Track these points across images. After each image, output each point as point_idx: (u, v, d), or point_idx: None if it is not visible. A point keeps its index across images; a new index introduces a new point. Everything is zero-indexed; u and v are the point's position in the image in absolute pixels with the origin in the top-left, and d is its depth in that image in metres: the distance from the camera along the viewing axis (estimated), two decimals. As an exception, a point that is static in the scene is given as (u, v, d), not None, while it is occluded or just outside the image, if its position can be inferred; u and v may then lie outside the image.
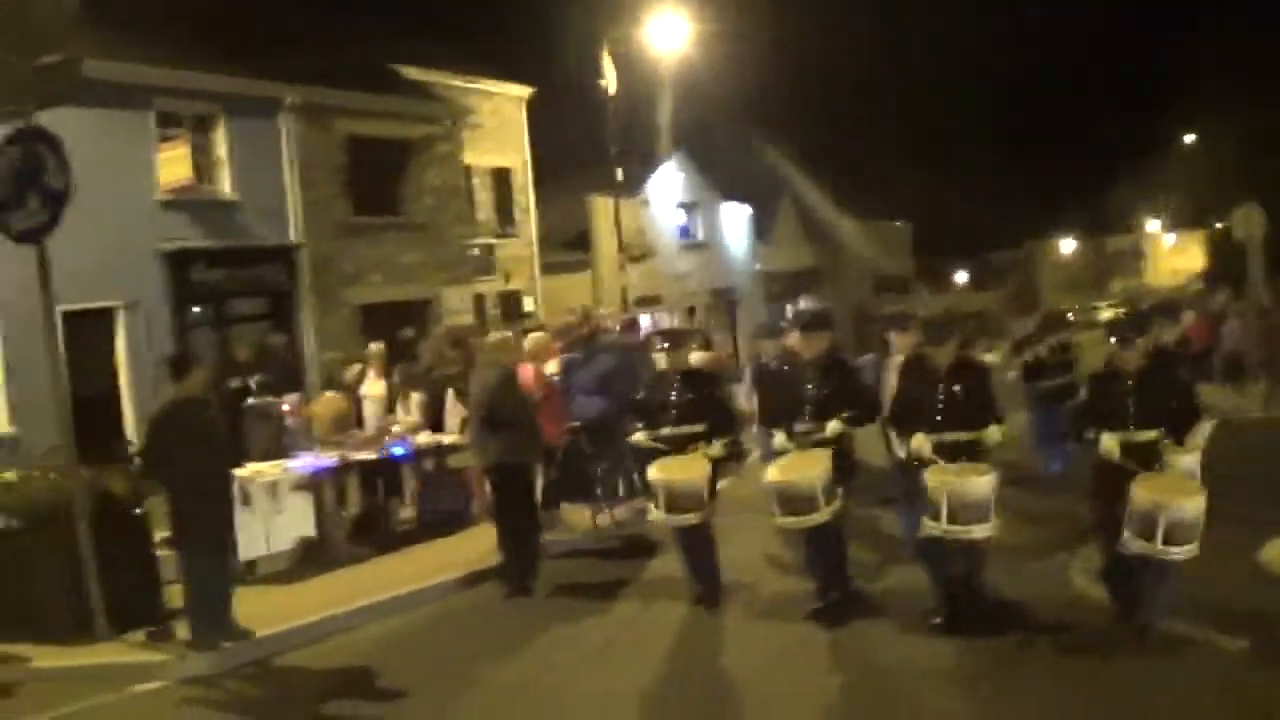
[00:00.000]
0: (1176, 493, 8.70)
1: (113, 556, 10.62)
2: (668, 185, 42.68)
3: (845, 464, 10.13)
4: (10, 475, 11.32)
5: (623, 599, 11.37)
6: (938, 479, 9.23)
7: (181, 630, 10.36)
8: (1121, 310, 16.70)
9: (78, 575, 10.50)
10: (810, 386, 10.28)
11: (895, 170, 70.90)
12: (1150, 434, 9.03)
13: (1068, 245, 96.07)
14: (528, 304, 33.65)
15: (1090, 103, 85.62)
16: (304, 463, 13.47)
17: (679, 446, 10.68)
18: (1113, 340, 9.47)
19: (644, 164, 39.32)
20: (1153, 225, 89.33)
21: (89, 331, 19.48)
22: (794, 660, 9.26)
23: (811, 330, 10.65)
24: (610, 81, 31.10)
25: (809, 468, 9.81)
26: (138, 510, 10.91)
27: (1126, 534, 8.73)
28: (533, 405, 12.89)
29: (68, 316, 18.48)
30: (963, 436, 9.49)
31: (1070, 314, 29.53)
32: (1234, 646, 8.65)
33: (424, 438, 15.06)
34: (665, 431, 10.79)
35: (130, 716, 9.22)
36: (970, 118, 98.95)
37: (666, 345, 11.72)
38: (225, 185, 21.79)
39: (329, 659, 10.14)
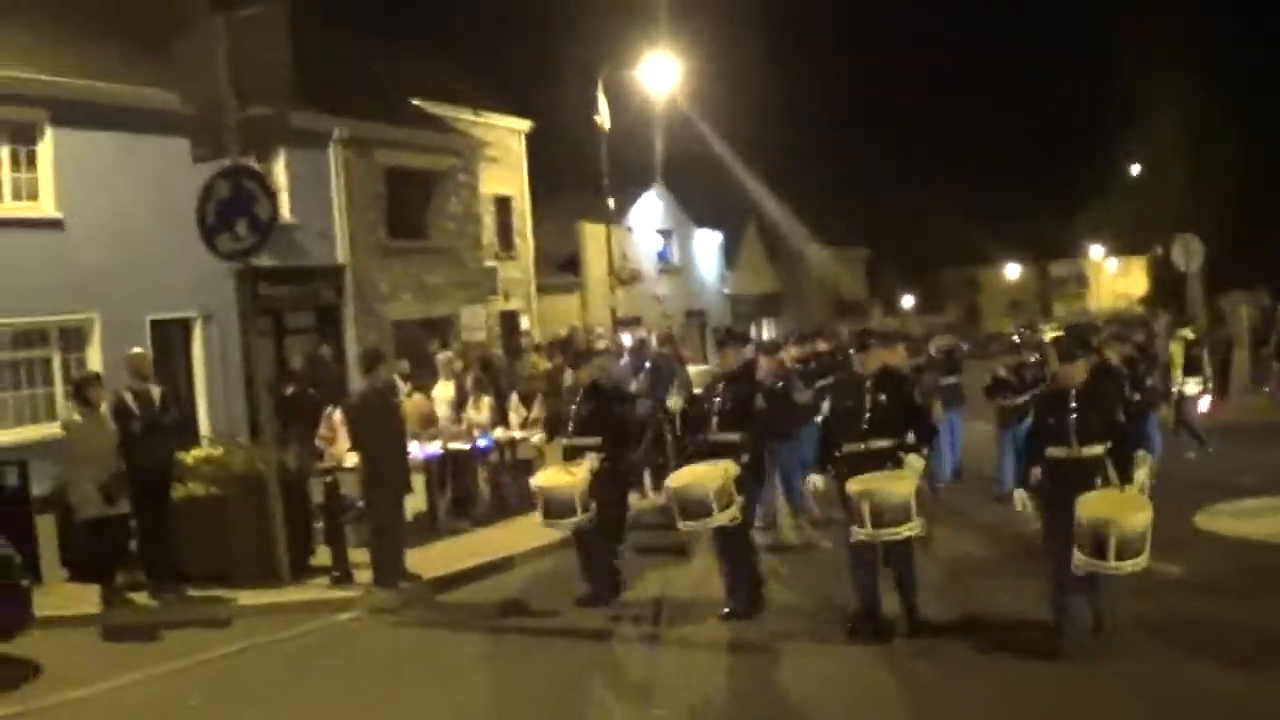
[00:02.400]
0: (1123, 509, 8.82)
1: (289, 518, 13.01)
2: (648, 212, 45.22)
3: (750, 474, 10.72)
4: (212, 450, 13.70)
5: (686, 552, 13.45)
6: (858, 486, 9.64)
7: (361, 575, 12.75)
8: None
9: (266, 532, 12.84)
10: (718, 399, 11.03)
11: (854, 198, 73.71)
12: (1094, 449, 9.22)
13: (1013, 270, 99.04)
14: (524, 322, 35.86)
15: (1041, 133, 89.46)
16: (417, 450, 15.81)
17: (569, 456, 11.61)
18: (1058, 358, 9.96)
19: (630, 193, 41.78)
20: (1096, 251, 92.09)
21: (172, 338, 21.77)
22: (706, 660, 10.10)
23: (724, 347, 11.52)
24: (604, 116, 33.48)
25: (705, 476, 10.42)
26: (330, 479, 13.25)
27: (1076, 553, 8.79)
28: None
29: (154, 324, 20.99)
30: (886, 444, 9.91)
31: (1015, 337, 32.27)
32: (1171, 571, 10.89)
33: (499, 433, 17.45)
34: (563, 441, 11.84)
35: (342, 637, 11.55)
36: (927, 148, 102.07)
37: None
38: (285, 210, 24.00)
39: (485, 595, 12.63)
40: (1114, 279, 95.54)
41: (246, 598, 12.58)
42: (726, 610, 10.82)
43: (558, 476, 11.42)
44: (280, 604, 12.39)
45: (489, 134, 33.48)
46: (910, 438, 10.00)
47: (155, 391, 12.93)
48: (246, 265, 13.68)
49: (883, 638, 9.84)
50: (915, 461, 9.83)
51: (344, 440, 14.42)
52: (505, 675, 10.08)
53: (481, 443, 17.00)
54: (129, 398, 12.57)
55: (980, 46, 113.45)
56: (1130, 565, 8.73)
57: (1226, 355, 28.78)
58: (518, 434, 17.56)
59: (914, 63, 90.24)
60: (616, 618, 11.22)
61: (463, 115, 32.49)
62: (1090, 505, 8.80)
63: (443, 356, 19.36)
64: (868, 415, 9.99)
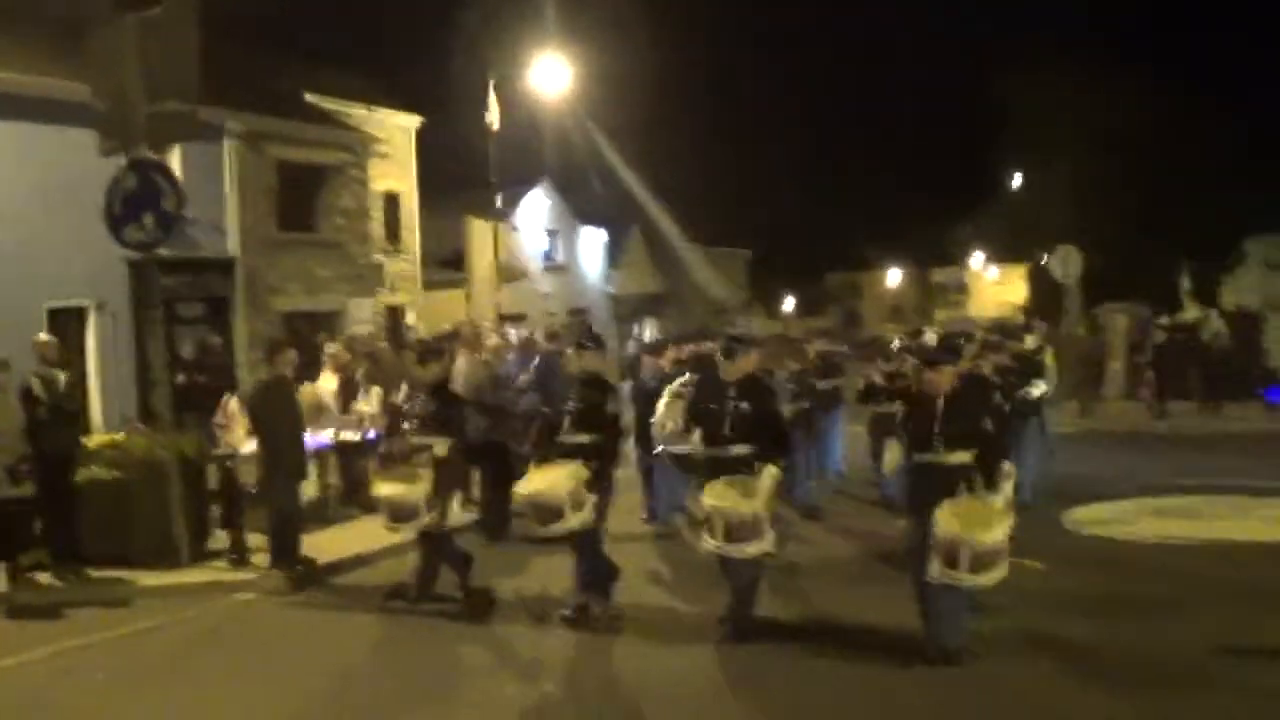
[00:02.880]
0: (979, 525, 8.92)
1: (186, 502, 13.49)
2: (535, 210, 45.83)
3: (600, 476, 10.83)
4: (116, 436, 14.13)
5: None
6: (712, 499, 9.87)
7: (257, 558, 13.27)
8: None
9: (165, 516, 13.30)
10: (572, 402, 11.12)
11: (739, 199, 74.79)
12: (960, 456, 9.35)
13: (894, 276, 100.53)
14: (409, 317, 36.19)
15: (926, 142, 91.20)
16: (310, 439, 16.29)
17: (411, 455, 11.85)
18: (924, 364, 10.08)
19: (518, 191, 42.33)
20: (977, 259, 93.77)
21: (66, 326, 21.93)
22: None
23: (582, 349, 11.54)
24: (494, 115, 33.94)
25: (557, 481, 10.53)
26: (227, 464, 13.73)
27: (932, 563, 9.02)
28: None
29: (51, 313, 21.17)
30: (745, 450, 10.11)
31: (896, 343, 33.12)
32: (1036, 567, 11.62)
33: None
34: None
35: (239, 617, 12.11)
36: (809, 153, 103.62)
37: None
38: (180, 202, 24.26)
39: (376, 579, 13.13)
40: (994, 287, 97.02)
41: (146, 579, 13.04)
42: (569, 611, 11.05)
43: (399, 485, 11.59)
44: (179, 585, 12.89)
45: (381, 130, 33.78)
46: (769, 445, 10.17)
47: (61, 378, 13.29)
48: (149, 256, 14.10)
49: (754, 635, 10.16)
50: (771, 472, 9.98)
51: (240, 427, 14.93)
52: (396, 654, 10.72)
53: (371, 433, 17.52)
54: (36, 384, 12.90)
55: (867, 51, 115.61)
56: (984, 579, 8.97)
57: (1100, 364, 30.34)
58: (406, 425, 18.10)
59: (801, 65, 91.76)
60: (473, 598, 11.65)
61: (355, 110, 32.79)
62: (946, 519, 8.96)
63: (330, 349, 19.80)
64: (729, 421, 10.24)
